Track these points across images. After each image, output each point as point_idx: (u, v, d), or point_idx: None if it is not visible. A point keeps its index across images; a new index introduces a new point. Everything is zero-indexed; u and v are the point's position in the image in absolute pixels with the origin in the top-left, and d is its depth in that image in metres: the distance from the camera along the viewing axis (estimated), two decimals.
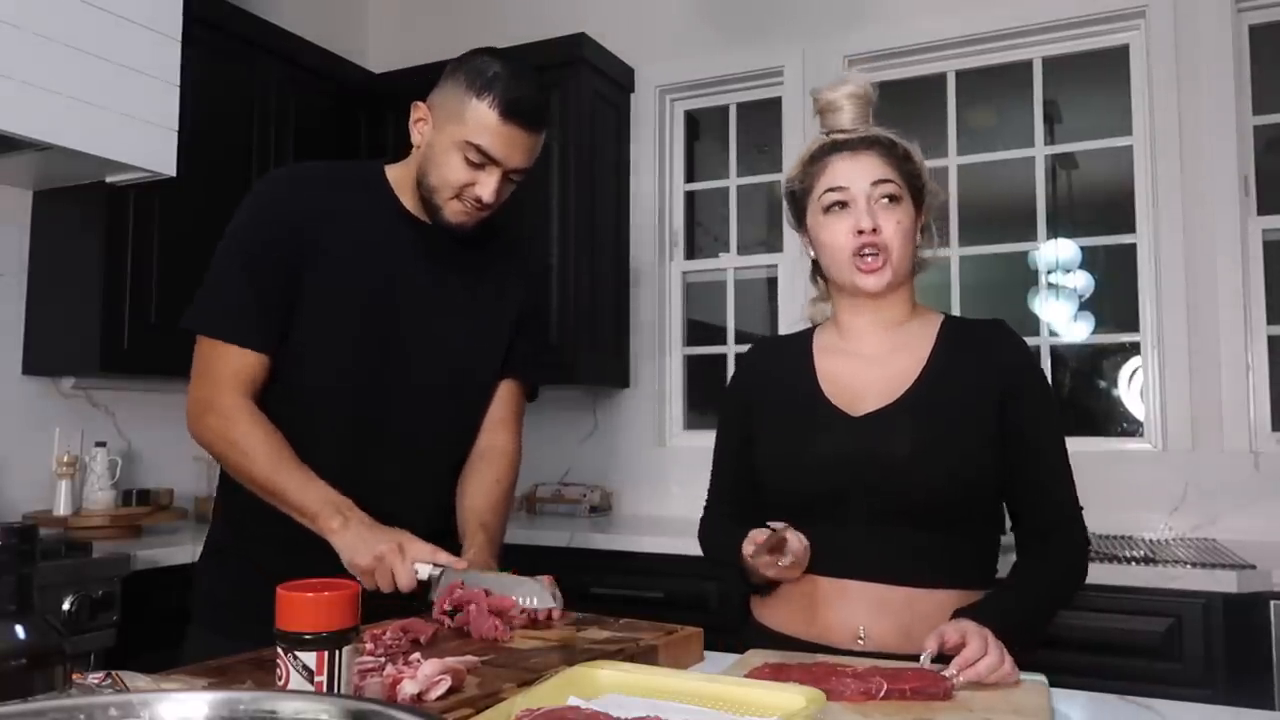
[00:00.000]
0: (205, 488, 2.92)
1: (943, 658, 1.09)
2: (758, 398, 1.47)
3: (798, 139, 3.06)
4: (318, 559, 1.24)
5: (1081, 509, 1.35)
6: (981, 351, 1.37)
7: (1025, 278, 3.18)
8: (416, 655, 1.03)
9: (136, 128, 2.31)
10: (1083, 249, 3.01)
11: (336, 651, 0.78)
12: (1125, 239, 2.81)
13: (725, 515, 1.50)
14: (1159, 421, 2.67)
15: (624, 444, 3.33)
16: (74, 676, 0.78)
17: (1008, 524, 1.40)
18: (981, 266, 3.12)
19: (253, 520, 1.44)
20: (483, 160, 1.38)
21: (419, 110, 1.44)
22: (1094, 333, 3.27)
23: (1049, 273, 2.97)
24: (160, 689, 0.76)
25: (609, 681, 0.94)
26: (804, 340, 1.49)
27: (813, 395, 1.40)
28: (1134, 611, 2.04)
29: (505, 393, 1.59)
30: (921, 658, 1.10)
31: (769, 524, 1.28)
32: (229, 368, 1.38)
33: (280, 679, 0.78)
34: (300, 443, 1.38)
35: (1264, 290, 2.61)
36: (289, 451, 1.36)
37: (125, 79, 2.28)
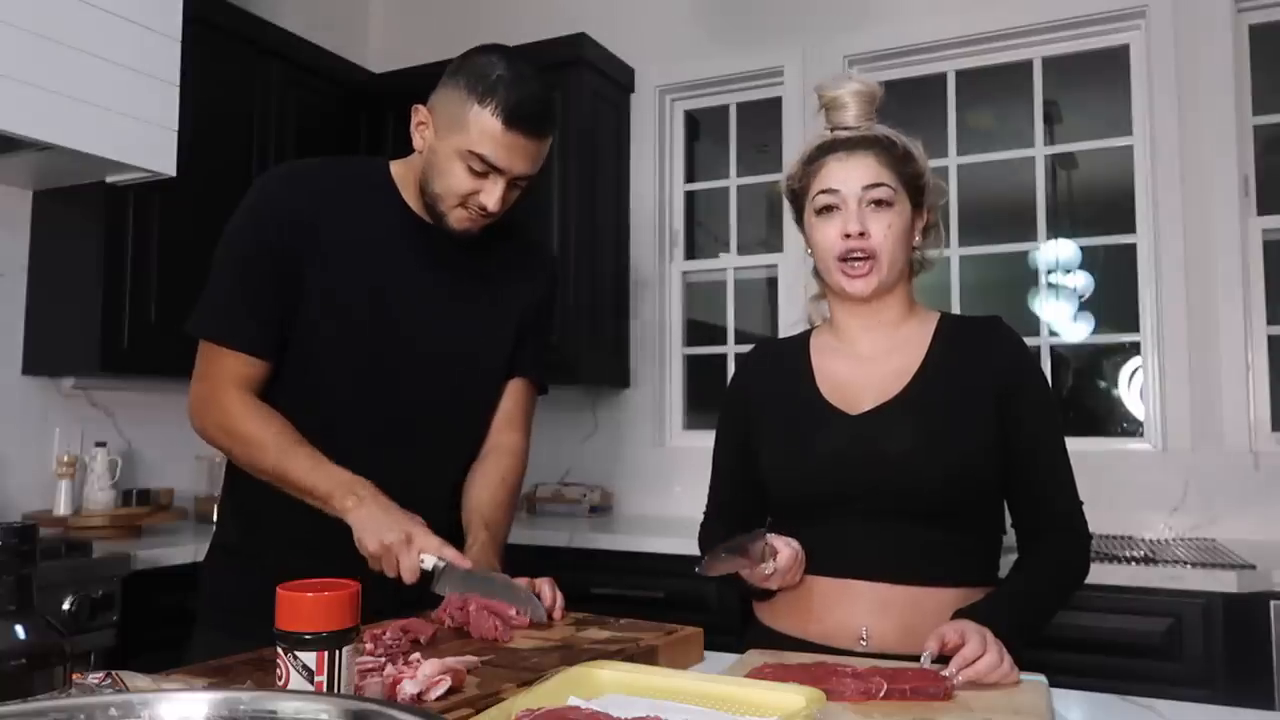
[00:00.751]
0: (205, 488, 2.92)
1: (943, 658, 1.09)
2: (757, 400, 1.47)
3: (798, 139, 3.06)
4: (326, 559, 1.24)
5: (1081, 504, 1.35)
6: (978, 349, 1.37)
7: (1025, 278, 3.18)
8: (416, 655, 1.03)
9: (136, 128, 2.31)
10: (1083, 249, 3.01)
11: (336, 651, 0.78)
12: (1125, 239, 2.81)
13: (725, 521, 1.49)
14: (1159, 421, 2.67)
15: (624, 444, 3.33)
16: (74, 676, 0.77)
17: (1008, 521, 1.40)
18: (981, 266, 3.12)
19: (260, 521, 1.44)
20: (486, 169, 1.35)
21: (420, 114, 1.40)
22: (1094, 333, 3.27)
23: (1049, 273, 2.97)
24: (160, 689, 0.76)
25: (609, 681, 0.94)
26: (802, 342, 1.49)
27: (811, 395, 1.40)
28: (1134, 611, 2.04)
29: (514, 390, 1.58)
30: (922, 658, 1.10)
31: (750, 535, 1.26)
32: (228, 369, 1.38)
33: (280, 679, 0.78)
34: (309, 442, 1.37)
35: (1264, 290, 2.61)
36: (295, 436, 1.35)
37: (125, 79, 2.28)
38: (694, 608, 2.39)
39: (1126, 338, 2.87)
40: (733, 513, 1.49)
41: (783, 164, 3.12)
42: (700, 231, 3.55)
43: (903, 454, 1.29)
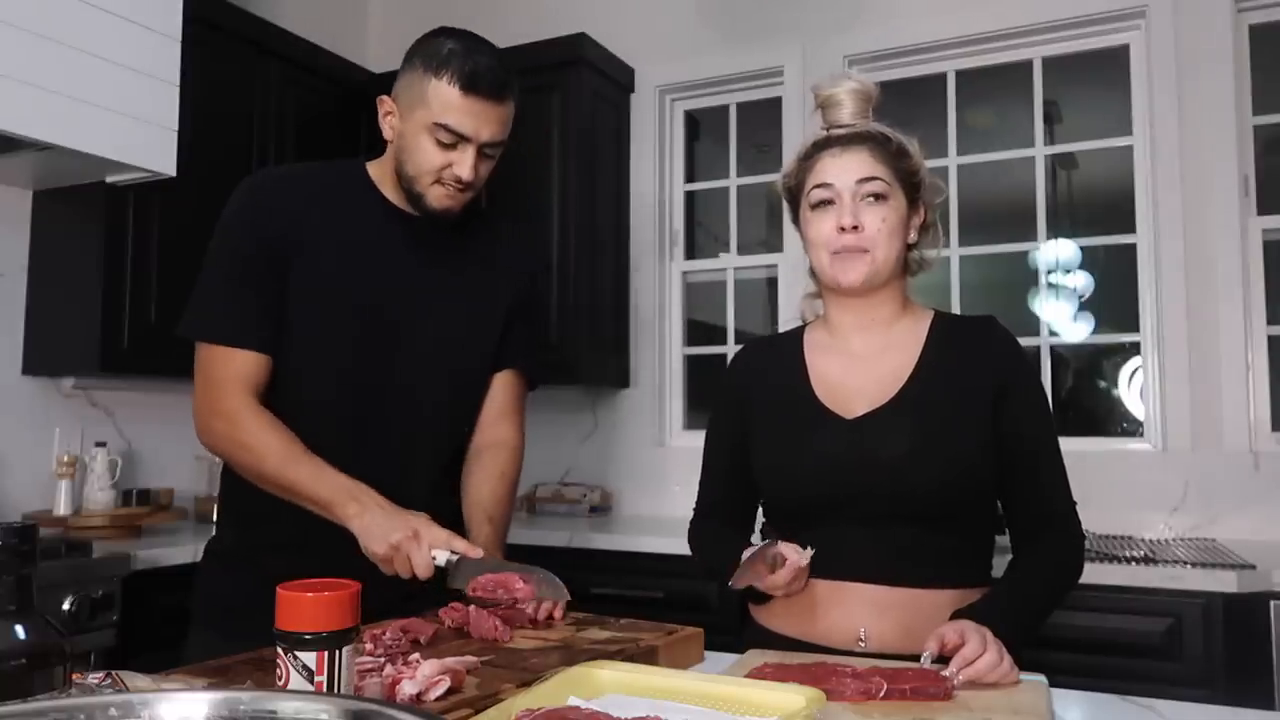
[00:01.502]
0: (205, 488, 2.92)
1: (943, 659, 1.09)
2: (751, 399, 1.46)
3: (798, 139, 3.05)
4: (323, 562, 1.23)
5: (1075, 503, 1.35)
6: (972, 349, 1.37)
7: (1025, 278, 3.18)
8: (416, 655, 1.03)
9: (136, 128, 2.30)
10: (1083, 249, 3.01)
11: (336, 651, 0.78)
12: (1125, 239, 2.81)
13: (716, 519, 1.50)
14: (1159, 421, 2.67)
15: (624, 444, 3.33)
16: (74, 676, 0.78)
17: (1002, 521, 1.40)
18: (981, 266, 3.12)
19: (258, 523, 1.44)
20: (454, 139, 1.37)
21: (385, 104, 1.44)
22: (1094, 333, 3.27)
23: (1049, 273, 2.97)
24: (160, 689, 0.76)
25: (609, 681, 0.94)
26: (796, 339, 1.48)
27: (805, 398, 1.39)
28: (1134, 611, 2.04)
29: (505, 384, 1.59)
30: (922, 658, 1.10)
31: (762, 545, 1.26)
32: (229, 371, 1.38)
33: (280, 679, 0.78)
34: (301, 439, 1.37)
35: (1264, 290, 2.61)
36: (299, 445, 1.36)
37: (125, 79, 2.27)
38: (694, 608, 2.39)
39: (1126, 338, 2.87)
40: (723, 511, 1.49)
41: (783, 164, 3.12)
42: (700, 231, 3.55)
43: (897, 459, 1.29)
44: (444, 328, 1.49)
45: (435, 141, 1.37)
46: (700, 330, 3.46)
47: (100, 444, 2.67)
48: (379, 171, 1.49)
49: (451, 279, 1.51)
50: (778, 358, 1.47)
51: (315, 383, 1.43)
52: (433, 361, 1.48)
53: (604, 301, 3.19)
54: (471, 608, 1.22)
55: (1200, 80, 2.66)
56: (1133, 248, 2.78)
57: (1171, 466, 2.60)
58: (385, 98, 1.44)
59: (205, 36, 2.68)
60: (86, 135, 2.20)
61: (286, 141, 3.04)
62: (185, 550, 2.32)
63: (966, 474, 1.30)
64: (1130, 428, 3.62)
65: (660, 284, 3.37)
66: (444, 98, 1.35)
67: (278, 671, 0.79)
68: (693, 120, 3.50)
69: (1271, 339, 2.60)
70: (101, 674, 0.87)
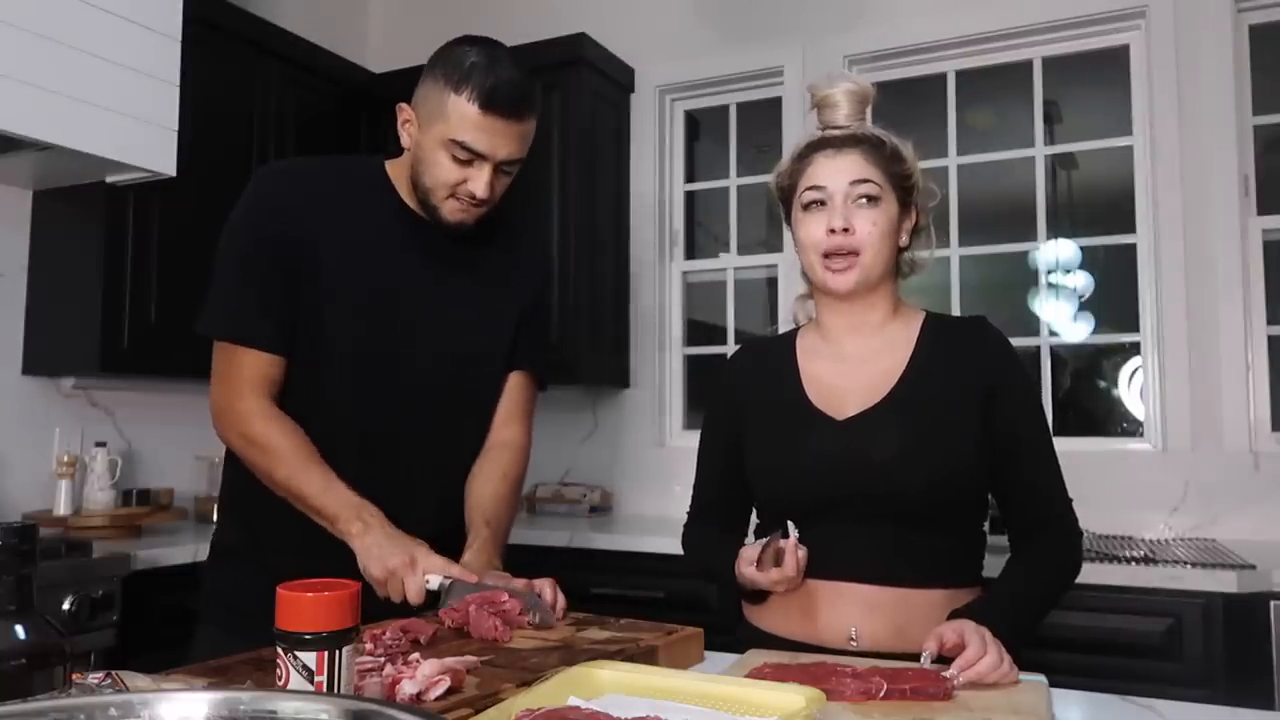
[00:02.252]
0: (205, 488, 2.92)
1: (942, 659, 1.09)
2: (745, 402, 1.46)
3: (798, 139, 3.05)
4: (329, 562, 1.24)
5: (1071, 500, 1.35)
6: (963, 349, 1.36)
7: (1025, 278, 3.18)
8: (416, 655, 1.03)
9: (136, 128, 2.30)
10: (1083, 249, 3.01)
11: (336, 651, 0.78)
12: (1125, 239, 2.81)
13: (711, 521, 1.50)
14: (1159, 421, 2.67)
15: (624, 444, 3.33)
16: (74, 676, 0.78)
17: (989, 521, 1.40)
18: (981, 266, 3.12)
19: (264, 522, 1.43)
20: (470, 156, 1.36)
21: (404, 112, 1.42)
22: (1094, 333, 3.27)
23: (1049, 273, 2.97)
24: (160, 689, 0.76)
25: (609, 681, 0.94)
26: (788, 342, 1.48)
27: (797, 400, 1.39)
28: (1134, 611, 2.04)
29: (515, 385, 1.59)
30: (921, 658, 1.10)
31: (771, 537, 1.27)
32: (245, 370, 1.38)
33: (280, 679, 0.78)
34: (313, 442, 1.38)
35: (1264, 290, 2.61)
36: (311, 452, 1.36)
37: (125, 79, 2.28)
38: (694, 608, 2.39)
39: (1126, 338, 2.87)
40: (718, 513, 1.50)
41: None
42: (700, 231, 3.55)
43: (888, 460, 1.29)
44: (456, 330, 1.49)
45: (452, 157, 1.36)
46: (700, 330, 3.46)
47: (100, 444, 2.67)
48: (396, 173, 1.48)
49: (465, 282, 1.51)
50: (771, 361, 1.47)
51: (327, 383, 1.42)
52: (445, 362, 1.48)
53: (604, 301, 3.19)
54: (471, 608, 1.22)
55: (1200, 80, 2.66)
56: (1133, 248, 2.78)
57: (1171, 466, 2.60)
58: (405, 105, 1.42)
59: (205, 36, 2.68)
60: (86, 135, 2.20)
61: (286, 141, 3.03)
62: (185, 550, 2.32)
63: (957, 474, 1.30)
64: (1130, 428, 3.62)
65: (660, 284, 3.37)
66: (462, 113, 1.33)
67: (278, 671, 0.79)
68: (693, 120, 3.50)
69: (1271, 339, 2.61)
70: (101, 674, 0.87)
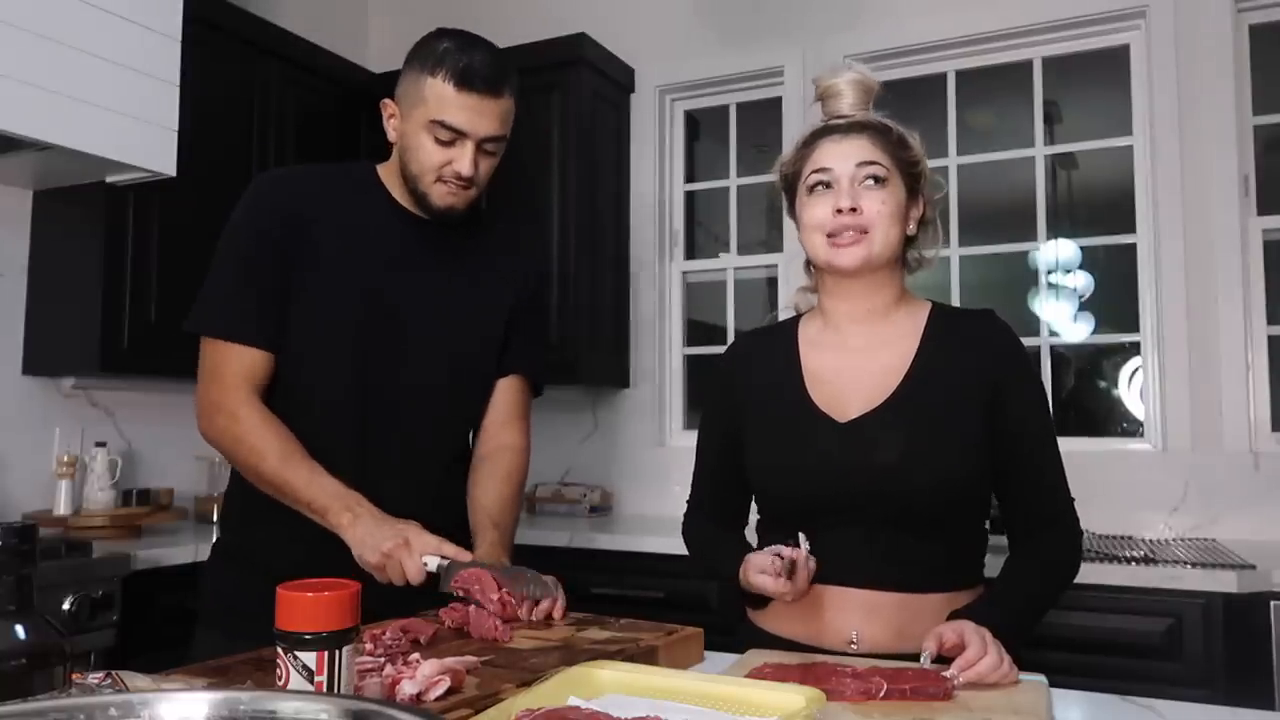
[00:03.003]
0: (205, 488, 2.92)
1: (942, 658, 1.09)
2: (744, 394, 1.43)
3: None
4: (328, 561, 1.24)
5: (1073, 499, 1.34)
6: (970, 343, 1.34)
7: (1025, 278, 3.18)
8: (416, 655, 1.03)
9: (136, 128, 2.30)
10: (1083, 249, 3.01)
11: (336, 651, 0.78)
12: (1125, 239, 2.81)
13: (710, 516, 1.49)
14: (1159, 421, 2.67)
15: (624, 444, 3.33)
16: (74, 676, 0.78)
17: (989, 520, 1.40)
18: (981, 266, 3.12)
19: (263, 522, 1.44)
20: (452, 135, 1.39)
21: (388, 108, 1.46)
22: (1094, 333, 3.27)
23: (1049, 273, 2.97)
24: (160, 689, 0.76)
25: (609, 681, 0.94)
26: (789, 332, 1.44)
27: (798, 398, 1.37)
28: (1134, 611, 2.04)
29: (510, 389, 1.59)
30: (921, 658, 1.10)
31: (784, 547, 1.25)
32: (234, 367, 1.39)
33: (280, 679, 0.78)
34: (301, 439, 1.38)
35: (1264, 290, 2.61)
36: (297, 447, 1.37)
37: (125, 79, 2.28)
38: (694, 608, 2.39)
39: (1126, 338, 2.87)
40: (716, 505, 1.49)
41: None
42: (700, 231, 3.55)
43: (890, 465, 1.27)
44: (449, 328, 1.50)
45: (434, 139, 1.39)
46: (700, 330, 3.46)
47: (100, 444, 2.67)
48: (387, 174, 1.51)
49: (456, 280, 1.52)
50: (771, 351, 1.44)
51: (320, 381, 1.43)
52: (437, 361, 1.49)
53: (604, 301, 3.19)
54: (471, 608, 1.22)
55: (1200, 80, 2.66)
56: (1133, 248, 2.78)
57: (1171, 466, 2.60)
58: (389, 101, 1.46)
59: (205, 36, 2.68)
60: (86, 135, 2.20)
61: (286, 141, 3.03)
62: (185, 550, 2.32)
63: (959, 478, 1.28)
64: (1130, 428, 3.62)
65: (660, 284, 3.37)
66: (439, 94, 1.37)
67: (278, 671, 0.79)
68: (693, 120, 3.50)
69: (1271, 339, 2.60)
70: (101, 674, 0.87)
